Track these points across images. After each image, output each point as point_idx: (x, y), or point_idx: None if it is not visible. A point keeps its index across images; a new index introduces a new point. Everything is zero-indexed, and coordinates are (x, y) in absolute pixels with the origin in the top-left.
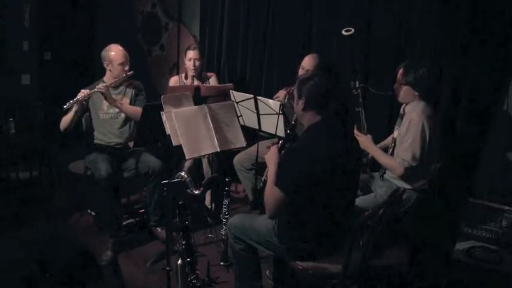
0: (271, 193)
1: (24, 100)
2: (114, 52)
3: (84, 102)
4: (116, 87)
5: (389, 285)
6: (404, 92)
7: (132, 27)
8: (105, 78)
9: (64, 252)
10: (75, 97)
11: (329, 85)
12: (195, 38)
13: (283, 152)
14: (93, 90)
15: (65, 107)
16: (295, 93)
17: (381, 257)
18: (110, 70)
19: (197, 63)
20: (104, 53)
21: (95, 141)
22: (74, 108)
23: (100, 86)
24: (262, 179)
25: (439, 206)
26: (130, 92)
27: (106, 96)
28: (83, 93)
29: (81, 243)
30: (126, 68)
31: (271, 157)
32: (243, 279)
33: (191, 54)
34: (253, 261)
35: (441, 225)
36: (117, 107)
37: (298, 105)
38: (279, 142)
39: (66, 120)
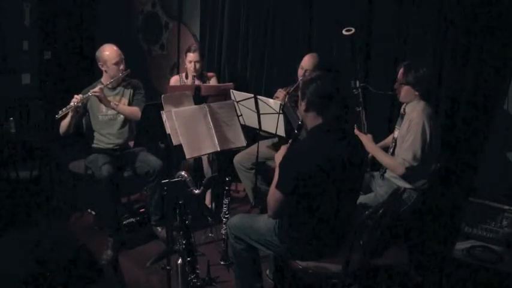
0: (273, 194)
1: (24, 100)
2: (108, 52)
3: (78, 109)
4: (113, 88)
5: (390, 285)
6: (405, 92)
7: (132, 27)
8: (102, 79)
9: (64, 252)
10: (73, 100)
11: (333, 87)
12: (195, 37)
13: (283, 155)
14: (86, 95)
15: (57, 116)
16: (299, 94)
17: (381, 256)
18: (106, 71)
19: (198, 65)
20: (98, 54)
21: (94, 144)
22: (70, 114)
23: (94, 89)
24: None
25: (439, 206)
26: (128, 92)
27: (100, 98)
28: (76, 98)
29: (81, 243)
30: (122, 67)
31: (279, 157)
32: (243, 278)
33: (191, 56)
34: (254, 260)
35: (441, 225)
36: (113, 108)
37: (301, 106)
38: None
39: (64, 125)
